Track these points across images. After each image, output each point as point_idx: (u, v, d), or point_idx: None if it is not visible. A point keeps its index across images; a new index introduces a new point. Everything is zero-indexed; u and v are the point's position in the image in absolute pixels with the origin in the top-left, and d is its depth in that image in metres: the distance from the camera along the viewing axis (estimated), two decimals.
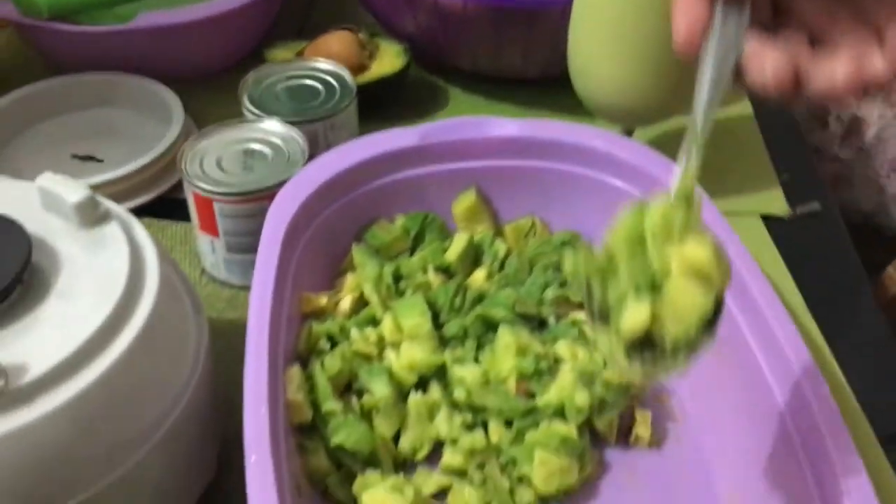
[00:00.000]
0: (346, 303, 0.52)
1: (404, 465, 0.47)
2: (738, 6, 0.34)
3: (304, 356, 0.49)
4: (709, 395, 0.50)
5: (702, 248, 0.35)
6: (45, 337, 0.37)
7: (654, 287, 0.35)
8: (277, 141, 0.58)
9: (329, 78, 0.64)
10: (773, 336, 0.46)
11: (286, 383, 0.45)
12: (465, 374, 0.48)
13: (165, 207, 0.64)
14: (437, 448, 0.48)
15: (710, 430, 0.49)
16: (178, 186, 0.64)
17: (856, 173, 1.03)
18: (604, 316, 0.36)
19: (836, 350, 0.55)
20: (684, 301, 0.35)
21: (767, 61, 0.33)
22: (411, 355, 0.49)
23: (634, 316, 0.35)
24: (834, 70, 0.33)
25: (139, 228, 0.43)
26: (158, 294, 0.40)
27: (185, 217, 0.61)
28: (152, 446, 0.39)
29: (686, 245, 0.35)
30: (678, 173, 0.36)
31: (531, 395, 0.48)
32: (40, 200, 0.43)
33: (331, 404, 0.45)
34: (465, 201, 0.57)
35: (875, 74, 0.33)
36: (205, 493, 0.45)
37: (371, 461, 0.45)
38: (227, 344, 0.53)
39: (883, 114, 0.99)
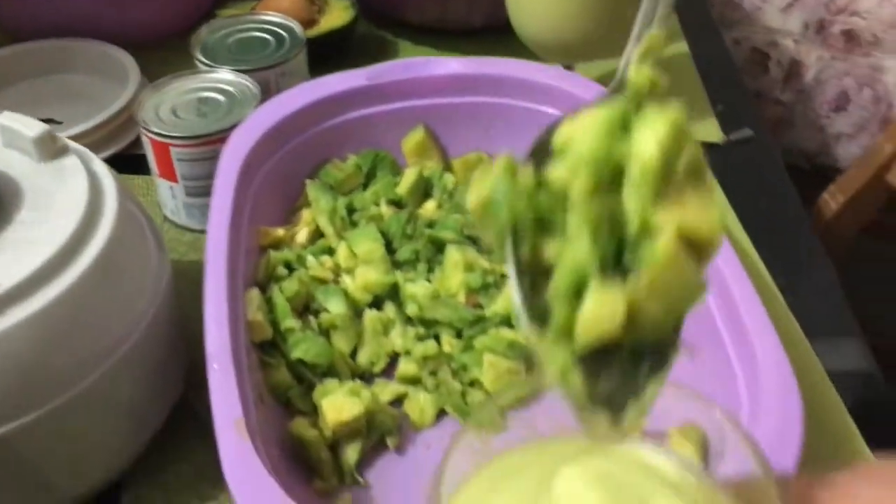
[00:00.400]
0: (302, 235, 0.55)
1: (363, 378, 0.50)
2: None
3: (264, 284, 0.52)
4: None
5: (711, 208, 0.22)
6: (10, 258, 0.39)
7: (618, 259, 0.23)
8: (230, 88, 0.60)
9: (279, 30, 0.67)
10: None
11: (246, 305, 0.48)
12: (417, 290, 0.51)
13: (126, 164, 0.66)
14: (393, 362, 0.51)
15: None
16: (137, 143, 0.66)
17: (797, 115, 1.07)
18: (541, 310, 0.23)
19: (769, 263, 0.59)
20: (674, 285, 0.22)
21: None
22: (365, 276, 0.51)
23: (602, 308, 0.22)
24: None
25: (98, 162, 0.45)
26: (118, 218, 0.42)
27: (145, 171, 0.63)
28: (117, 361, 0.41)
29: (688, 198, 0.22)
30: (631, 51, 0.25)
31: (479, 308, 0.51)
32: (1, 138, 0.45)
33: (290, 322, 0.48)
34: (413, 138, 0.60)
35: None
36: (173, 412, 0.48)
37: (330, 374, 0.48)
38: (189, 283, 0.56)
39: (821, 55, 1.03)
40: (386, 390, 0.49)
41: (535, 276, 0.24)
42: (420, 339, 0.50)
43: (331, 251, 0.54)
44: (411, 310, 0.50)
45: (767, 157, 0.68)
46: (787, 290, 0.57)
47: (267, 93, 0.62)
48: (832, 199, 0.79)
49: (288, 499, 0.37)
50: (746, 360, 0.44)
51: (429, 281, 0.53)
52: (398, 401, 0.49)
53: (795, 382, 0.41)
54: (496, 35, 0.75)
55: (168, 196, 0.60)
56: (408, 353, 0.49)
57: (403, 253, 0.54)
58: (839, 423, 0.48)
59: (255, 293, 0.48)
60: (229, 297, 0.45)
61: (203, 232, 0.61)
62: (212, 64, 0.62)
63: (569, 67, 0.67)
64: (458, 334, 0.50)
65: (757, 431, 0.39)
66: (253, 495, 0.37)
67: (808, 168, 1.00)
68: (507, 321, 0.50)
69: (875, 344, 0.56)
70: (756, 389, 0.41)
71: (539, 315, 0.24)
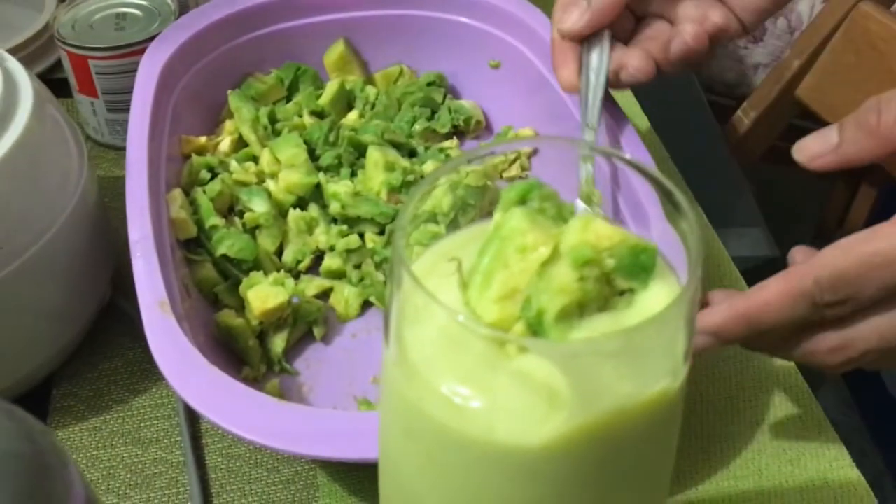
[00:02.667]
0: (225, 144, 0.56)
1: (290, 275, 0.51)
2: (599, 44, 0.46)
3: (187, 188, 0.52)
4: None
5: None
6: None
7: None
8: (148, 4, 0.60)
9: None
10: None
11: (169, 203, 0.48)
12: (339, 189, 0.52)
13: (47, 87, 0.66)
14: (319, 260, 0.52)
15: None
16: (58, 67, 0.66)
17: (717, 47, 1.10)
18: None
19: (680, 165, 0.62)
20: None
21: (630, 64, 0.46)
22: (289, 179, 0.52)
23: None
24: (683, 33, 0.45)
25: (12, 60, 0.45)
26: (34, 108, 0.42)
27: (67, 94, 0.63)
28: (36, 253, 0.42)
29: None
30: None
31: (402, 205, 0.52)
32: None
33: (214, 220, 0.49)
34: (334, 52, 0.61)
35: (715, 23, 0.45)
36: (102, 314, 0.49)
37: (255, 270, 0.49)
38: (114, 199, 0.56)
39: None
40: (312, 285, 0.50)
41: None
42: (343, 236, 0.51)
43: (254, 159, 0.55)
44: (334, 208, 0.52)
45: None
46: (697, 187, 0.60)
47: (186, 9, 0.62)
48: (745, 116, 0.82)
49: (211, 367, 0.38)
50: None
51: (352, 183, 0.54)
52: (325, 295, 0.51)
53: None
54: None
55: (90, 113, 0.60)
56: (332, 248, 0.51)
57: (326, 159, 0.55)
58: None
59: (177, 192, 0.49)
60: (150, 195, 0.46)
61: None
62: None
63: None
64: (381, 231, 0.52)
65: None
66: (179, 368, 0.39)
67: (733, 104, 1.04)
68: (433, 218, 0.52)
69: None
70: None
71: None
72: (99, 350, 0.48)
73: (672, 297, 0.22)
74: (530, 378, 0.21)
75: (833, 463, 0.44)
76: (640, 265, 0.23)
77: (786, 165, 1.18)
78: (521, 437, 0.22)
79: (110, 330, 0.49)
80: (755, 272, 0.54)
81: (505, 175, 0.58)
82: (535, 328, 0.23)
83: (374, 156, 0.53)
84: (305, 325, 0.48)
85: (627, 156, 0.26)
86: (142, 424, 0.45)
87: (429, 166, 0.55)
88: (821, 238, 1.25)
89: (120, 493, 0.43)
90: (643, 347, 0.21)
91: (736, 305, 0.33)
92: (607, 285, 0.24)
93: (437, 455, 0.24)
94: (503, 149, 0.56)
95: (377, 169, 0.53)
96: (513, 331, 0.23)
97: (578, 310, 0.23)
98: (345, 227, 0.52)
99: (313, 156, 0.55)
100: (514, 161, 0.59)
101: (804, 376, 0.47)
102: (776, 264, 0.56)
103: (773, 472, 0.44)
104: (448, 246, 0.28)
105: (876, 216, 1.06)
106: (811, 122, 0.82)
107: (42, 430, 0.23)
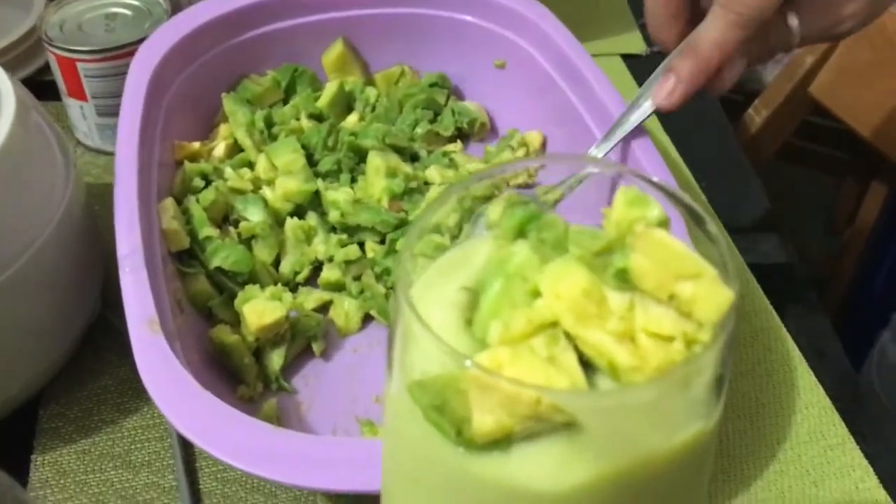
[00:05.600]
0: (220, 149, 0.53)
1: (287, 287, 0.49)
2: None
3: (180, 197, 0.50)
4: None
5: None
6: None
7: None
8: (138, 3, 0.58)
9: None
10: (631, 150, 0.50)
11: (160, 213, 0.46)
12: (339, 196, 0.50)
13: (35, 90, 0.64)
14: (317, 271, 0.50)
15: None
16: (47, 69, 0.64)
17: None
18: None
19: (691, 165, 0.60)
20: None
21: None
22: (286, 186, 0.50)
23: None
24: None
25: None
26: (16, 117, 0.40)
27: (56, 98, 0.60)
28: (20, 269, 0.40)
29: None
30: None
31: (404, 213, 0.50)
32: None
33: (208, 231, 0.47)
34: (333, 52, 0.59)
35: None
36: (92, 330, 0.47)
37: (251, 282, 0.47)
38: (104, 207, 0.54)
39: None
40: (310, 298, 0.48)
41: None
42: (343, 245, 0.49)
43: (250, 165, 0.53)
44: (333, 217, 0.50)
45: None
46: (708, 189, 0.57)
47: (178, 9, 0.60)
48: (756, 114, 0.80)
49: (203, 390, 0.36)
50: None
51: (352, 190, 0.52)
52: (324, 308, 0.49)
53: None
54: None
55: (79, 117, 0.57)
56: (330, 259, 0.49)
57: (325, 164, 0.53)
58: (759, 306, 0.49)
59: (169, 202, 0.47)
60: (140, 205, 0.44)
61: None
62: None
63: None
64: (382, 240, 0.50)
65: None
66: (169, 391, 0.37)
67: (742, 100, 1.02)
68: (437, 229, 0.49)
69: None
70: None
71: None
72: (88, 367, 0.46)
73: None
74: (551, 422, 0.19)
75: (859, 484, 0.42)
76: None
77: (798, 162, 1.15)
78: (544, 484, 0.19)
79: (99, 346, 0.47)
80: (772, 279, 0.52)
81: (512, 182, 0.56)
82: None
83: (375, 161, 0.51)
84: (304, 340, 0.46)
85: (655, 179, 0.23)
86: (132, 447, 0.43)
87: (432, 171, 0.53)
88: (832, 234, 1.23)
89: None
90: (674, 395, 0.19)
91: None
92: None
93: (446, 502, 0.22)
94: (514, 168, 0.53)
95: (378, 175, 0.51)
96: None
97: None
98: (344, 237, 0.49)
99: (311, 161, 0.53)
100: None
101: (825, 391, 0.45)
102: (793, 270, 0.54)
103: (796, 494, 0.41)
104: (447, 265, 0.26)
105: (887, 213, 1.04)
106: (825, 118, 0.80)
107: None
